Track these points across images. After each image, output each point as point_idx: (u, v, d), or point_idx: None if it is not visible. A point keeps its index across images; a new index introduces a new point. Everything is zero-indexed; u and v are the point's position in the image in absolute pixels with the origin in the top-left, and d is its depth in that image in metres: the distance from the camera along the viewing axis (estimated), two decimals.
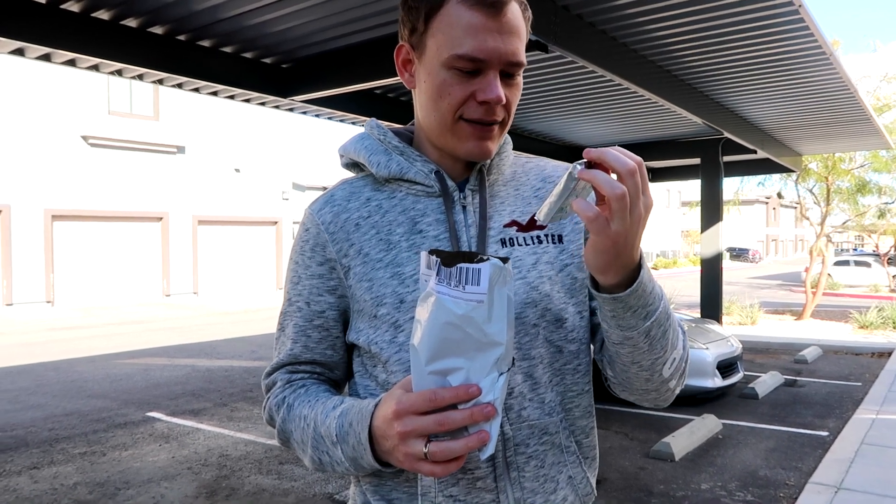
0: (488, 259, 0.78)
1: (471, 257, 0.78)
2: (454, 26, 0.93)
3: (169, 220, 19.28)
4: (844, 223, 18.60)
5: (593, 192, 0.81)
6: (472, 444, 0.80)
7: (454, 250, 0.81)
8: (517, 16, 0.95)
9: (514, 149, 1.16)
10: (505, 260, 0.79)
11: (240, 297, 20.35)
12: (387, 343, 0.99)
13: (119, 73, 5.38)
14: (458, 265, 0.78)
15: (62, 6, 4.35)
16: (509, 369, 0.82)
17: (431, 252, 0.81)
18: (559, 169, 1.13)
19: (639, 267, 0.87)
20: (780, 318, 15.22)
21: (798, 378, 8.48)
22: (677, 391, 1.03)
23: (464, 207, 1.03)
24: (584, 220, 0.80)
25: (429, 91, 0.99)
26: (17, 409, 6.93)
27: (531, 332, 1.00)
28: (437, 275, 0.79)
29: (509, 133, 1.14)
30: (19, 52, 4.71)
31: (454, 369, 0.80)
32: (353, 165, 1.12)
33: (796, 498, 4.45)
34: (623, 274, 0.86)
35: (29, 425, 6.28)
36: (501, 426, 0.97)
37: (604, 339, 1.02)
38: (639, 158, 0.80)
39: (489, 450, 0.81)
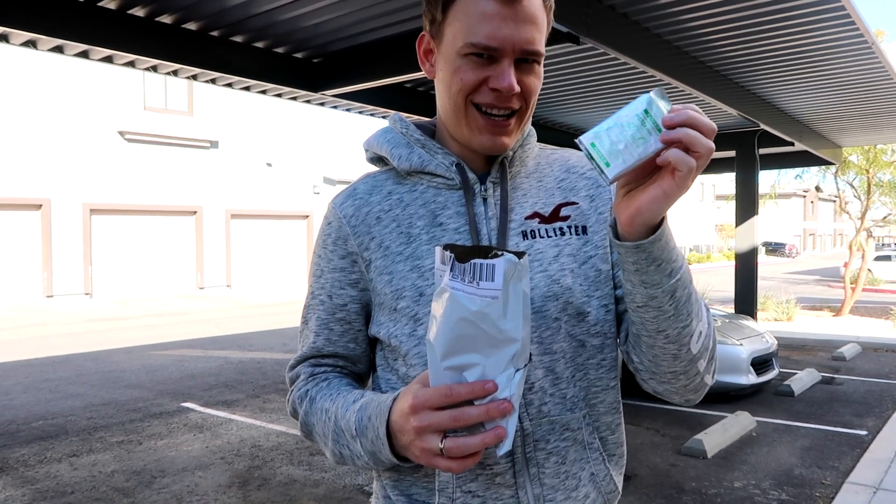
0: (503, 254, 0.76)
1: (485, 252, 0.77)
2: (469, 14, 0.93)
3: (203, 213, 19.59)
4: (886, 217, 18.07)
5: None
6: (488, 441, 0.79)
7: (472, 244, 0.79)
8: (535, 4, 0.94)
9: (542, 141, 1.15)
10: (521, 255, 0.78)
11: (272, 290, 20.60)
12: (406, 336, 0.99)
13: (154, 69, 5.47)
14: (472, 261, 0.77)
15: (99, 4, 4.43)
16: (526, 365, 0.81)
17: (446, 247, 0.80)
18: (584, 160, 1.11)
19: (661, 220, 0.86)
20: (817, 315, 14.88)
21: (836, 375, 8.29)
22: (708, 381, 0.99)
23: (484, 200, 1.03)
24: (685, 167, 0.78)
25: (445, 79, 0.98)
26: (58, 398, 7.13)
27: (552, 326, 0.98)
28: (451, 270, 0.78)
29: (535, 125, 1.12)
30: (58, 49, 4.83)
31: (470, 365, 0.79)
32: (377, 160, 1.12)
33: (833, 498, 4.35)
34: (651, 227, 0.84)
35: (69, 414, 6.46)
36: (521, 421, 0.96)
37: (629, 327, 1.00)
38: (710, 125, 0.80)
39: (506, 446, 0.80)
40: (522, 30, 0.92)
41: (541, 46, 0.95)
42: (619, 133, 0.77)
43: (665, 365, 0.95)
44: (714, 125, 0.80)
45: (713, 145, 0.79)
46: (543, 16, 0.96)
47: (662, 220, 0.85)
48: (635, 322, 0.94)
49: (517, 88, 0.94)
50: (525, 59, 0.95)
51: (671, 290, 0.88)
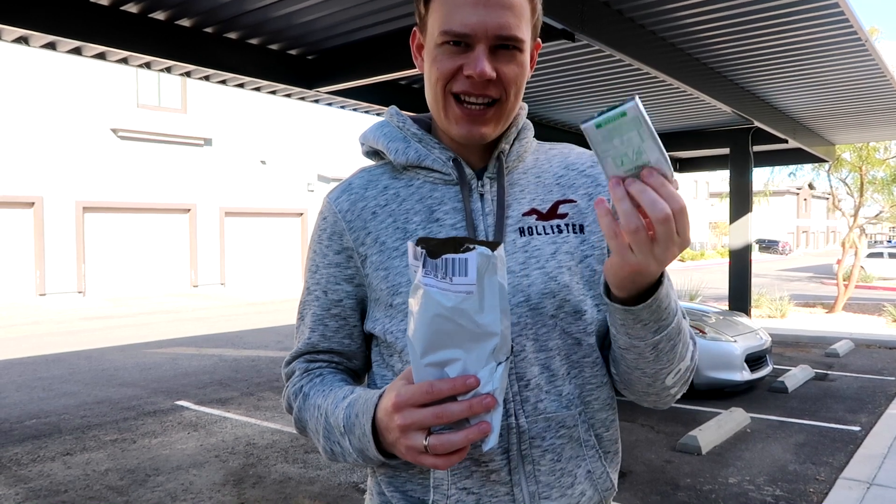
0: (475, 248, 0.75)
1: (458, 246, 0.76)
2: (445, 4, 0.93)
3: (196, 211, 19.52)
4: (878, 214, 18.16)
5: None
6: (472, 436, 0.78)
7: (444, 238, 0.79)
8: None
9: (537, 138, 1.14)
10: (494, 246, 0.76)
11: (266, 287, 20.56)
12: (402, 332, 0.98)
13: (147, 65, 5.44)
14: (444, 256, 0.76)
15: (92, 0, 4.40)
16: (508, 358, 0.81)
17: (418, 242, 0.78)
18: (583, 156, 1.10)
19: (658, 282, 0.85)
20: (810, 311, 14.94)
21: (829, 372, 8.33)
22: (678, 396, 1.03)
23: (481, 195, 1.02)
24: (605, 236, 0.79)
25: (426, 70, 0.99)
26: (51, 396, 7.09)
27: (548, 324, 0.97)
28: (424, 266, 0.77)
29: (531, 120, 1.11)
30: (51, 46, 4.79)
31: (451, 360, 0.78)
32: (373, 153, 1.11)
33: (827, 493, 4.37)
34: (640, 291, 0.85)
35: (62, 412, 6.43)
36: (516, 418, 0.96)
37: (611, 347, 1.01)
38: (681, 202, 0.75)
39: (491, 441, 0.79)
40: (496, 15, 0.91)
41: (519, 32, 0.93)
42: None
43: (638, 388, 1.00)
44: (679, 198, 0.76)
45: (665, 211, 0.74)
46: (525, 3, 0.94)
47: (659, 281, 0.85)
48: (615, 353, 0.97)
49: (490, 74, 0.92)
50: (504, 46, 0.93)
51: (654, 343, 0.90)
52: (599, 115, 0.74)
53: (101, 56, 5.08)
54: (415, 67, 5.23)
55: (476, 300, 0.76)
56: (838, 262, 15.37)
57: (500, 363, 0.79)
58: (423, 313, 0.77)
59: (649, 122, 0.73)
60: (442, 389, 0.78)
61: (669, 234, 0.75)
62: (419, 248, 0.78)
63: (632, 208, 0.75)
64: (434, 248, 0.77)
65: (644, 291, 0.85)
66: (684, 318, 0.96)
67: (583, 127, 0.76)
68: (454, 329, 0.77)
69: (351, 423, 0.91)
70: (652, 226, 0.75)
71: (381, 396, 0.88)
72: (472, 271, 0.75)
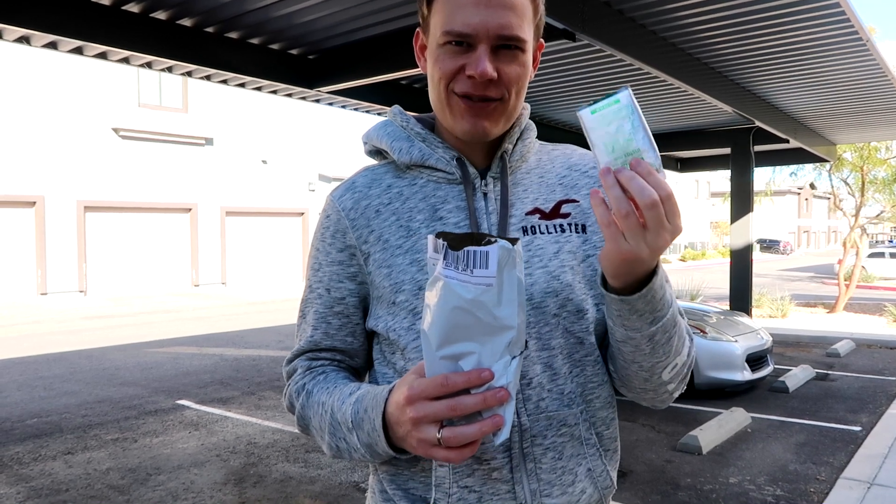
0: (496, 241, 0.76)
1: (478, 240, 0.77)
2: (448, 4, 0.94)
3: (198, 211, 19.53)
4: (879, 214, 18.14)
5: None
6: (485, 429, 0.78)
7: (464, 232, 0.80)
8: None
9: (538, 138, 1.14)
10: (514, 241, 0.77)
11: (267, 287, 20.57)
12: (405, 330, 0.98)
13: (149, 65, 5.45)
14: (466, 248, 0.76)
15: (93, 0, 4.41)
16: (522, 353, 0.81)
17: (438, 235, 0.79)
18: (586, 158, 1.11)
19: (653, 272, 0.87)
20: (811, 311, 14.92)
21: (830, 372, 8.32)
22: (676, 394, 1.03)
23: (485, 195, 1.02)
24: (599, 224, 0.81)
25: (429, 71, 0.99)
26: (52, 395, 7.10)
27: (551, 323, 0.98)
28: (445, 259, 0.77)
29: (532, 120, 1.12)
30: (52, 45, 4.80)
31: (466, 353, 0.79)
32: (375, 153, 1.12)
33: (827, 493, 4.37)
34: (635, 280, 0.86)
35: (63, 412, 6.44)
36: (518, 416, 0.96)
37: (608, 343, 1.02)
38: (668, 189, 0.78)
39: (504, 434, 0.79)
40: (497, 15, 0.92)
41: (520, 32, 0.94)
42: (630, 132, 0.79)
43: (636, 383, 1.00)
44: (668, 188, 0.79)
45: (653, 196, 0.77)
46: (527, 3, 0.95)
47: (654, 272, 0.87)
48: (612, 346, 0.98)
49: (491, 74, 0.93)
50: (506, 46, 0.94)
51: (650, 335, 0.91)
52: (594, 102, 0.79)
53: (102, 56, 5.08)
54: (415, 67, 5.22)
55: (495, 293, 0.76)
56: (839, 261, 15.36)
57: (514, 357, 0.79)
58: (441, 305, 0.77)
59: (640, 113, 0.78)
60: (457, 382, 0.78)
61: (659, 219, 0.78)
62: (440, 241, 0.78)
63: (622, 194, 0.78)
64: (455, 240, 0.77)
65: (639, 281, 0.87)
66: (681, 315, 0.97)
67: (579, 113, 0.81)
68: (471, 322, 0.77)
69: (359, 418, 0.91)
70: (642, 213, 0.78)
71: (391, 391, 0.88)
72: (493, 264, 0.76)
